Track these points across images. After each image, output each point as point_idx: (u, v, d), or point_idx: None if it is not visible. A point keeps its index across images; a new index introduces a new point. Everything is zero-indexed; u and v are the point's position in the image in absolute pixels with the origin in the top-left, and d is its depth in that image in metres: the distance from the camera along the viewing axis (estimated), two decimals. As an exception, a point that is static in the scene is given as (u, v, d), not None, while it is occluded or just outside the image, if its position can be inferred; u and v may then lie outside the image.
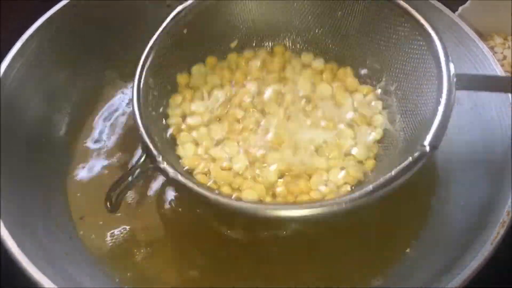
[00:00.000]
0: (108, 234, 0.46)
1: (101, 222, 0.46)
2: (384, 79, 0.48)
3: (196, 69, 0.50)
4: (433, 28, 0.43)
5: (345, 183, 0.44)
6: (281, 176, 0.44)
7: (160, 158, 0.39)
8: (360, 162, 0.45)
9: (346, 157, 0.45)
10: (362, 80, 0.50)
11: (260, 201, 0.42)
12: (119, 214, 0.46)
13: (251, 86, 0.49)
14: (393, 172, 0.37)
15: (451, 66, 0.41)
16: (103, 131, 0.52)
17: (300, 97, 0.48)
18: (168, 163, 0.39)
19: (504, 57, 0.59)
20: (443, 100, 0.39)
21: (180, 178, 0.38)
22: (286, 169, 0.44)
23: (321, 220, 0.41)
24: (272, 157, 0.45)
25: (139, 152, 0.47)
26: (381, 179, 0.37)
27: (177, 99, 0.48)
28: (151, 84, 0.44)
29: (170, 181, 0.39)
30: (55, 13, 0.50)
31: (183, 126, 0.47)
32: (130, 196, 0.47)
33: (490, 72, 0.47)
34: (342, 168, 0.44)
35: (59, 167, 0.49)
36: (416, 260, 0.44)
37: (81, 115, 0.53)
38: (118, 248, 0.45)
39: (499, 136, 0.45)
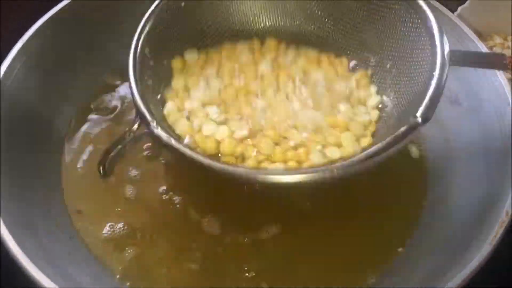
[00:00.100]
0: (107, 232, 0.46)
1: (99, 220, 0.46)
2: (379, 57, 0.48)
3: (190, 55, 0.50)
4: (428, 5, 0.43)
5: (341, 158, 0.43)
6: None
7: (154, 123, 0.39)
8: (357, 139, 0.45)
9: (342, 134, 0.45)
10: (357, 61, 0.50)
11: (254, 168, 0.42)
12: (118, 209, 0.46)
13: (247, 74, 0.49)
14: (385, 141, 0.38)
15: (445, 41, 0.41)
16: (101, 130, 0.52)
17: (295, 81, 0.49)
18: (162, 128, 0.39)
19: (503, 57, 0.59)
20: (436, 74, 0.40)
21: (174, 142, 0.39)
22: (282, 141, 0.44)
23: (316, 188, 0.41)
24: (269, 132, 0.45)
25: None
26: (373, 147, 0.38)
27: (174, 83, 0.48)
28: (147, 53, 0.44)
29: (164, 146, 0.39)
30: (55, 14, 0.51)
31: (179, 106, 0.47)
32: (129, 190, 0.48)
33: (488, 72, 0.47)
34: (338, 145, 0.44)
35: (58, 167, 0.50)
36: (412, 260, 0.44)
37: (80, 115, 0.53)
38: (117, 246, 0.45)
39: (498, 135, 0.45)
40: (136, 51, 0.43)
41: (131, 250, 0.45)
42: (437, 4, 0.50)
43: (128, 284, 0.43)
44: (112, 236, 0.45)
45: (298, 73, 0.49)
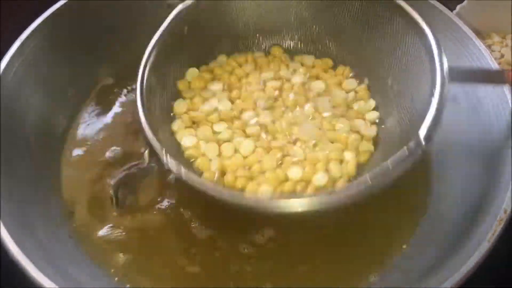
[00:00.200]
0: (105, 234, 0.46)
1: (98, 221, 0.46)
2: (380, 74, 0.49)
3: (191, 73, 0.51)
4: (426, 23, 0.43)
5: (341, 177, 0.44)
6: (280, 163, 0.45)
7: (164, 155, 0.39)
8: (356, 155, 0.46)
9: (342, 151, 0.46)
10: (357, 76, 0.51)
11: (262, 196, 0.43)
12: (114, 214, 0.46)
13: (250, 87, 0.50)
14: (388, 164, 0.38)
15: (444, 59, 0.42)
16: (99, 129, 0.52)
17: (296, 93, 0.49)
18: (172, 159, 0.39)
19: (502, 56, 0.60)
20: (436, 93, 0.40)
21: (184, 174, 0.39)
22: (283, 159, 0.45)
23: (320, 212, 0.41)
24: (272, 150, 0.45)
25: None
26: (377, 170, 0.38)
27: (179, 103, 0.49)
28: (153, 83, 0.45)
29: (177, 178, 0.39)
30: (53, 13, 0.51)
31: (187, 123, 0.48)
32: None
33: (487, 70, 0.47)
34: (339, 161, 0.45)
35: (57, 166, 0.50)
36: (412, 257, 0.44)
37: (78, 114, 0.53)
38: (115, 247, 0.45)
39: (496, 133, 0.45)
40: (143, 82, 0.44)
41: (129, 251, 0.45)
42: (436, 3, 0.51)
43: (128, 285, 0.43)
44: (110, 237, 0.45)
45: (299, 85, 0.50)
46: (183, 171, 0.39)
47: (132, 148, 0.50)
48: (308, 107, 0.48)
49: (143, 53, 0.56)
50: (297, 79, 0.50)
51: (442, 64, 0.41)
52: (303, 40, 0.53)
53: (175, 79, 0.50)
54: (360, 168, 0.46)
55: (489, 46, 0.59)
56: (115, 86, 0.55)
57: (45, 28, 0.50)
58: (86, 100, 0.54)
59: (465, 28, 0.49)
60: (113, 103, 0.54)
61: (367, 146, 0.46)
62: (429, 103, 0.40)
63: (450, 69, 0.41)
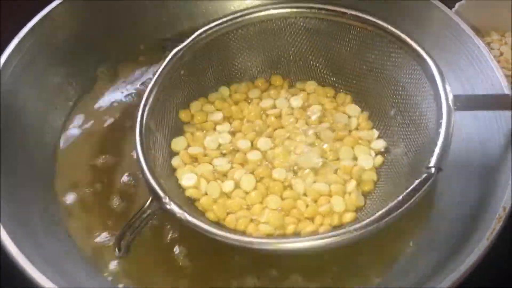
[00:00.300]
0: (100, 234, 0.45)
1: (93, 221, 0.46)
2: (382, 105, 0.48)
3: (195, 105, 0.50)
4: (427, 52, 0.43)
5: (346, 210, 0.44)
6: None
7: (166, 199, 0.39)
8: (361, 186, 0.45)
9: (347, 182, 0.45)
10: (360, 106, 0.50)
11: (267, 236, 0.42)
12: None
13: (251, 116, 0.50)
14: (400, 197, 0.38)
15: (448, 88, 0.41)
16: (96, 127, 0.52)
17: (297, 119, 0.49)
18: (175, 205, 0.39)
19: (501, 54, 0.60)
20: (443, 122, 0.40)
21: (189, 218, 0.39)
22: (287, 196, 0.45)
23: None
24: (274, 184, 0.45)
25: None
26: (388, 206, 0.38)
27: (180, 140, 0.48)
28: (152, 126, 0.45)
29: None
30: (51, 11, 0.50)
31: (187, 160, 0.47)
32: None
33: (486, 68, 0.47)
34: (343, 193, 0.45)
35: (53, 164, 0.49)
36: (413, 257, 0.44)
37: (75, 112, 0.53)
38: (110, 249, 0.45)
39: (496, 131, 0.45)
40: (142, 127, 0.43)
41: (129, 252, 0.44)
42: (435, 1, 0.50)
43: (122, 285, 0.43)
44: (106, 238, 0.45)
45: (299, 110, 0.50)
46: (187, 217, 0.39)
47: (126, 149, 0.50)
48: (309, 134, 0.48)
49: (142, 51, 0.56)
50: (296, 104, 0.50)
51: (446, 93, 0.41)
52: (303, 73, 0.52)
53: (175, 114, 0.49)
54: (369, 199, 0.45)
55: (488, 44, 0.59)
56: (113, 85, 0.55)
57: (43, 26, 0.50)
58: (83, 98, 0.54)
59: (464, 26, 0.49)
60: (110, 102, 0.54)
61: (371, 175, 0.46)
62: (436, 134, 0.40)
63: (455, 97, 0.41)
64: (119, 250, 0.40)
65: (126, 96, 0.54)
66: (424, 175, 0.39)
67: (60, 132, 0.51)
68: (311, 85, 0.51)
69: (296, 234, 0.42)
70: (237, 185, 0.45)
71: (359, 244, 0.39)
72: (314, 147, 0.47)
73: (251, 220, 0.43)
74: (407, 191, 0.38)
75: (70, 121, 0.52)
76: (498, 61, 0.49)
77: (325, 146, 0.47)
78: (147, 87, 0.45)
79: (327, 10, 0.48)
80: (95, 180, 0.48)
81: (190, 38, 0.48)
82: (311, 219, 0.43)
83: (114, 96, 0.54)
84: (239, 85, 0.52)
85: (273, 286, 0.42)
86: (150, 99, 0.45)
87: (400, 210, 0.38)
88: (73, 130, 0.52)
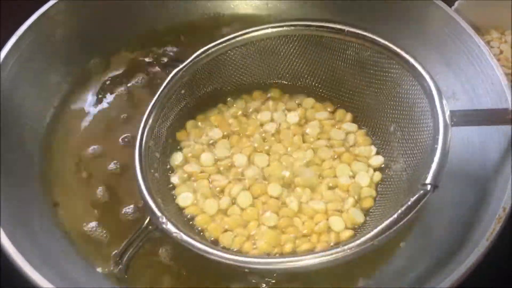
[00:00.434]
0: (93, 231, 0.46)
1: (86, 218, 0.46)
2: (381, 121, 0.48)
3: (191, 124, 0.50)
4: (424, 68, 0.43)
5: (346, 228, 0.44)
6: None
7: (163, 220, 0.40)
8: (360, 203, 0.45)
9: (344, 200, 0.45)
10: (359, 123, 0.50)
11: (266, 255, 0.43)
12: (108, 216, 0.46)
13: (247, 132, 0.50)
14: (395, 215, 0.38)
15: (445, 103, 0.41)
16: (93, 123, 0.52)
17: (294, 135, 0.49)
18: (171, 224, 0.40)
19: (501, 52, 0.59)
20: (440, 139, 0.40)
21: (184, 238, 0.39)
22: (283, 214, 0.45)
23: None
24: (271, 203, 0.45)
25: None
26: (383, 224, 0.38)
27: (177, 156, 0.49)
28: (152, 146, 0.46)
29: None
30: (49, 8, 0.51)
31: (184, 177, 0.47)
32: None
33: (486, 67, 0.46)
34: (341, 211, 0.45)
35: (49, 162, 0.49)
36: (410, 256, 0.44)
37: (72, 108, 0.53)
38: (106, 247, 0.45)
39: (495, 131, 0.45)
40: (141, 147, 0.44)
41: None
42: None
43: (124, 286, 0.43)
44: (100, 236, 0.45)
45: (296, 126, 0.50)
46: (182, 237, 0.39)
47: (119, 143, 0.50)
48: (307, 150, 0.48)
49: (140, 49, 0.56)
50: (293, 120, 0.50)
51: (443, 109, 0.41)
52: (302, 90, 0.52)
53: (174, 133, 0.50)
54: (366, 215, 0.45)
55: (488, 43, 0.59)
56: (110, 82, 0.55)
57: (41, 24, 0.50)
58: (80, 95, 0.54)
59: (464, 24, 0.48)
60: (108, 99, 0.54)
61: (370, 191, 0.46)
62: (433, 150, 0.40)
63: (452, 112, 0.41)
64: (120, 266, 0.41)
65: (125, 92, 0.54)
66: (420, 192, 0.39)
67: (58, 127, 0.52)
68: (309, 101, 0.52)
69: (293, 252, 0.43)
70: (233, 202, 0.45)
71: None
72: (311, 164, 0.47)
73: (248, 238, 0.43)
74: (402, 209, 0.38)
75: (66, 117, 0.52)
76: (498, 60, 0.49)
77: (323, 163, 0.47)
78: (147, 108, 0.46)
79: (325, 27, 0.48)
80: (89, 175, 0.49)
81: (190, 59, 0.48)
82: (308, 236, 0.44)
83: (111, 92, 0.54)
84: (237, 99, 0.52)
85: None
86: (150, 120, 0.46)
87: (395, 227, 0.38)
88: (71, 125, 0.52)
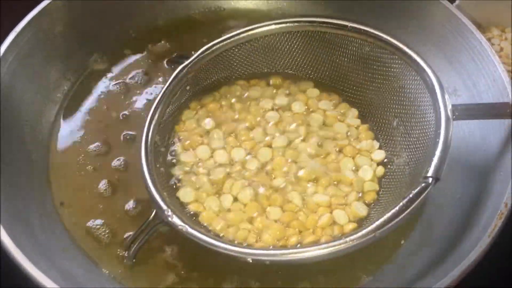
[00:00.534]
0: (96, 228, 0.46)
1: (88, 215, 0.46)
2: (385, 116, 0.48)
3: (186, 114, 0.51)
4: (426, 63, 0.44)
5: (349, 221, 0.44)
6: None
7: (169, 213, 0.40)
8: (363, 196, 0.45)
9: (348, 194, 0.45)
10: (363, 117, 0.50)
11: (269, 248, 0.43)
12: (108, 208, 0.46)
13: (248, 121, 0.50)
14: (397, 207, 0.38)
15: (447, 97, 0.42)
16: (92, 120, 0.52)
17: (298, 125, 0.49)
18: (177, 217, 0.40)
19: (501, 49, 0.60)
20: (441, 133, 0.40)
21: (190, 231, 0.40)
22: (288, 208, 0.45)
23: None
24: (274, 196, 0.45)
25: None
26: (385, 216, 0.38)
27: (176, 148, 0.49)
28: (157, 141, 0.46)
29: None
30: (48, 5, 0.50)
31: (186, 171, 0.47)
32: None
33: (488, 63, 0.47)
34: (344, 205, 0.45)
35: (49, 159, 0.49)
36: (411, 253, 0.44)
37: (70, 106, 0.53)
38: (107, 244, 0.45)
39: (497, 127, 0.45)
40: (147, 142, 0.44)
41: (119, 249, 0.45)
42: (437, -4, 0.50)
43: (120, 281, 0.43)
44: (103, 233, 0.45)
45: (300, 116, 0.50)
46: (188, 229, 0.40)
47: (119, 139, 0.51)
48: (310, 142, 0.48)
49: (139, 46, 0.56)
50: (298, 108, 0.50)
51: (445, 103, 0.41)
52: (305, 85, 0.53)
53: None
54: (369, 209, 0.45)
55: (488, 40, 0.59)
56: (109, 79, 0.55)
57: (40, 20, 0.50)
58: (79, 92, 0.54)
59: (466, 21, 0.49)
60: (107, 96, 0.54)
61: (373, 185, 0.46)
62: (435, 143, 0.40)
63: (454, 106, 0.41)
64: (129, 257, 0.42)
65: (123, 89, 0.54)
66: (421, 185, 0.39)
67: (56, 124, 0.52)
68: (314, 92, 0.52)
69: (298, 245, 0.43)
70: (235, 197, 0.45)
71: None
72: (315, 157, 0.47)
73: (253, 233, 0.44)
74: (404, 201, 0.39)
75: (66, 115, 0.52)
76: (499, 57, 0.49)
77: (327, 156, 0.47)
78: (153, 102, 0.47)
79: (328, 23, 0.48)
80: (90, 172, 0.49)
81: (195, 55, 0.49)
82: (312, 230, 0.44)
83: (110, 89, 0.54)
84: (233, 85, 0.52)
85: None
86: (156, 115, 0.46)
87: (396, 220, 0.38)
88: (69, 122, 0.52)
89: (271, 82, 0.52)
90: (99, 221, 0.46)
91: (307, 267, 0.43)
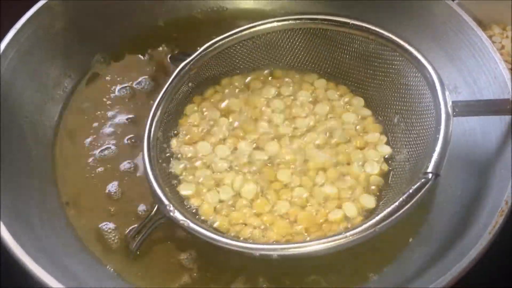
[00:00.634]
0: (100, 226, 0.46)
1: (92, 213, 0.46)
2: (386, 112, 0.49)
3: (189, 109, 0.51)
4: (426, 59, 0.44)
5: (358, 214, 0.44)
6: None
7: (171, 208, 0.41)
8: (366, 190, 0.46)
9: (355, 187, 0.46)
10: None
11: (273, 242, 0.43)
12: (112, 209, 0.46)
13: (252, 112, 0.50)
14: (397, 202, 0.39)
15: (447, 94, 0.42)
16: (92, 119, 0.52)
17: (306, 115, 0.49)
18: (178, 211, 0.41)
19: (503, 47, 0.60)
20: (442, 129, 0.40)
21: (191, 225, 0.40)
22: (296, 202, 0.45)
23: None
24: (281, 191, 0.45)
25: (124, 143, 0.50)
26: (385, 211, 0.38)
27: (174, 142, 0.49)
28: (160, 137, 0.47)
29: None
30: (49, 1, 0.50)
31: (187, 165, 0.47)
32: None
33: (489, 60, 0.47)
34: (353, 199, 0.45)
35: (51, 156, 0.49)
36: (411, 252, 0.44)
37: (71, 103, 0.53)
38: (109, 241, 0.45)
39: (497, 124, 0.45)
40: (150, 138, 0.45)
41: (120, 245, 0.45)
42: (438, -7, 0.50)
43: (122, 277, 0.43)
44: (105, 231, 0.45)
45: (307, 105, 0.50)
46: (189, 224, 0.40)
47: (124, 141, 0.50)
48: (318, 132, 0.48)
49: (139, 41, 0.56)
50: (303, 98, 0.50)
51: (445, 99, 0.42)
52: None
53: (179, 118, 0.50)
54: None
55: (490, 37, 0.59)
56: (109, 76, 0.55)
57: (40, 16, 0.50)
58: (80, 89, 0.54)
59: (467, 18, 0.49)
60: (106, 94, 0.54)
61: (378, 180, 0.46)
62: (435, 139, 0.40)
63: (454, 103, 0.42)
64: (131, 251, 0.43)
65: (123, 87, 0.54)
66: (421, 181, 0.39)
67: (57, 121, 0.51)
68: (321, 82, 0.52)
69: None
70: (237, 192, 0.45)
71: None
72: (324, 148, 0.47)
73: (259, 229, 0.44)
74: (403, 197, 0.39)
75: (67, 111, 0.52)
76: (500, 54, 0.49)
77: (337, 146, 0.47)
78: (155, 100, 0.47)
79: (330, 20, 0.49)
80: (91, 170, 0.49)
81: (197, 52, 0.49)
82: (319, 225, 0.44)
83: (110, 87, 0.54)
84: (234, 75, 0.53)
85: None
86: (158, 112, 0.46)
87: (396, 215, 0.38)
88: (69, 120, 0.52)
89: (274, 75, 0.53)
90: (107, 222, 0.46)
91: (314, 266, 0.43)
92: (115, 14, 0.56)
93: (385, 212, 0.38)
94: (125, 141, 0.50)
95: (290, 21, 0.50)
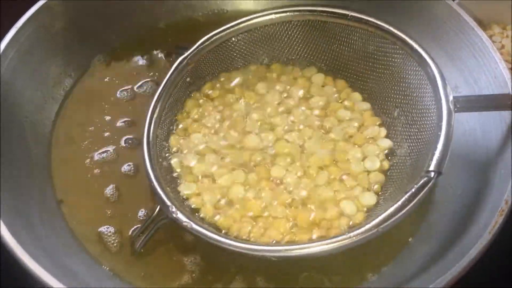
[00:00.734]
0: (98, 226, 0.46)
1: (89, 212, 0.46)
2: (386, 106, 0.48)
3: (188, 104, 0.50)
4: (428, 54, 0.43)
5: (358, 211, 0.44)
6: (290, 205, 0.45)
7: (173, 209, 0.41)
8: (368, 187, 0.45)
9: (355, 185, 0.45)
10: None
11: (274, 243, 0.43)
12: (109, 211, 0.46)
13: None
14: (399, 202, 0.38)
15: (449, 89, 0.42)
16: (93, 115, 0.52)
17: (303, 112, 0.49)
18: (181, 213, 0.41)
19: (503, 46, 0.59)
20: (443, 126, 0.40)
21: (195, 227, 0.40)
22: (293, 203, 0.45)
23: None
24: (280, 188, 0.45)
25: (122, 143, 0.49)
26: (388, 211, 0.38)
27: (173, 139, 0.49)
28: (160, 134, 0.46)
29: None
30: (49, 0, 0.50)
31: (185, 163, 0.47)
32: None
33: (489, 60, 0.46)
34: (351, 198, 0.45)
35: (49, 156, 0.49)
36: (410, 251, 0.44)
37: (71, 102, 0.53)
38: (108, 241, 0.45)
39: (498, 123, 0.45)
40: (149, 137, 0.45)
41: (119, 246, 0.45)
42: (439, -8, 0.50)
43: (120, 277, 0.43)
44: (103, 231, 0.45)
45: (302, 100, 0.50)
46: (192, 225, 0.40)
47: (122, 142, 0.50)
48: (316, 129, 0.48)
49: (139, 43, 0.56)
50: (301, 92, 0.50)
51: (447, 95, 0.41)
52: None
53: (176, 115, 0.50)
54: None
55: (490, 37, 0.59)
56: (109, 76, 0.55)
57: (40, 16, 0.50)
58: (79, 89, 0.54)
59: (467, 18, 0.49)
60: (106, 94, 0.54)
61: (379, 176, 0.46)
62: (436, 135, 0.40)
63: (455, 98, 0.41)
64: (134, 251, 0.43)
65: (123, 86, 0.54)
66: (424, 179, 0.39)
67: (56, 121, 0.51)
68: (319, 77, 0.51)
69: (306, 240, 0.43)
70: (237, 190, 0.45)
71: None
72: (322, 143, 0.47)
73: (259, 228, 0.43)
74: (406, 196, 0.38)
75: (67, 112, 0.52)
76: (501, 54, 0.49)
77: (335, 143, 0.47)
78: (153, 96, 0.47)
79: (328, 12, 0.48)
80: (90, 169, 0.49)
81: (195, 46, 0.49)
82: (318, 224, 0.44)
83: (110, 86, 0.54)
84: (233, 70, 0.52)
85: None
86: (157, 109, 0.46)
87: (399, 214, 0.38)
88: (69, 119, 0.52)
89: (272, 68, 0.52)
90: (105, 225, 0.46)
91: (314, 266, 0.43)
92: (115, 14, 0.56)
93: (388, 212, 0.38)
94: (124, 143, 0.50)
95: (288, 13, 0.49)
